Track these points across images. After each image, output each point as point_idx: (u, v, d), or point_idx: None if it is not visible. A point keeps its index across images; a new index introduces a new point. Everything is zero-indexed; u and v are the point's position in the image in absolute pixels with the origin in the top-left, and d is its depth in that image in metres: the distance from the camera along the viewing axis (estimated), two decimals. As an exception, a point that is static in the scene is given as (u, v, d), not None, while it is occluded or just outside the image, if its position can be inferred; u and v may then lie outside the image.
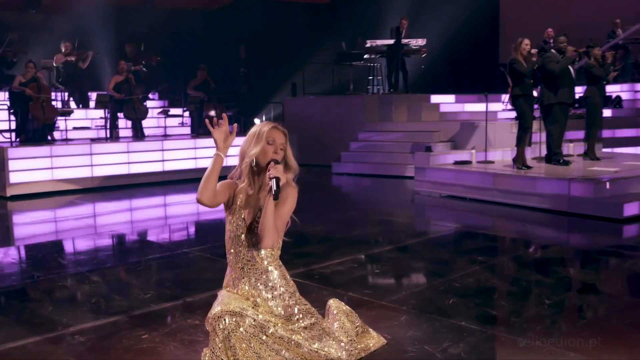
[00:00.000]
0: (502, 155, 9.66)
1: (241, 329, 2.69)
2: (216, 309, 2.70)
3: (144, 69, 12.88)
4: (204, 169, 2.82)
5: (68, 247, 6.27)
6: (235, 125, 2.90)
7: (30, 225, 7.73)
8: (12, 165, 8.92)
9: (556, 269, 4.99)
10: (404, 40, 12.85)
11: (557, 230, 6.69)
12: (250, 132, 2.95)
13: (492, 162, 9.14)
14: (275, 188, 2.70)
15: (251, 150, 2.89)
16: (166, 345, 3.34)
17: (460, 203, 8.15)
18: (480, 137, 10.04)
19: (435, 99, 13.02)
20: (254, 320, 2.74)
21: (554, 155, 8.59)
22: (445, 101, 13.02)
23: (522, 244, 6.09)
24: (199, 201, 2.76)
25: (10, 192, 8.90)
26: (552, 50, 8.52)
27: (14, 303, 4.26)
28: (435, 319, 3.70)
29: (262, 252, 2.87)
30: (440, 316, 3.74)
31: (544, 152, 9.03)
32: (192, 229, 7.56)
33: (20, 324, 3.75)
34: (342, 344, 3.00)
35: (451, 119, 12.27)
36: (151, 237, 6.87)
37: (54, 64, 11.71)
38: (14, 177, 8.95)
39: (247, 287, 2.87)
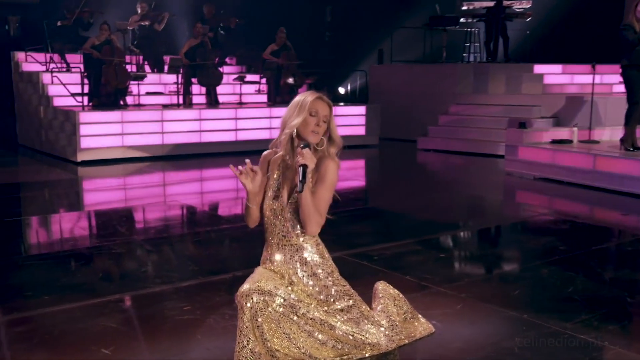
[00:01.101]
0: (610, 135, 9.24)
1: (269, 309, 2.80)
2: (245, 286, 2.82)
3: (221, 31, 13.25)
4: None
5: (130, 215, 6.68)
6: (256, 167, 2.96)
7: (98, 192, 8.29)
8: (83, 130, 9.54)
9: (650, 265, 4.80)
10: (506, 2, 12.46)
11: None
12: (293, 102, 3.03)
13: (597, 142, 8.78)
14: (300, 178, 2.77)
15: (292, 121, 2.97)
16: (206, 318, 3.55)
17: (555, 186, 7.91)
18: (587, 113, 9.64)
19: (539, 69, 12.57)
20: (284, 299, 2.85)
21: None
22: (550, 72, 12.55)
23: (615, 235, 5.87)
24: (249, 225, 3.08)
25: (80, 157, 9.53)
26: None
27: (67, 267, 4.64)
28: (495, 310, 3.69)
29: (298, 228, 2.97)
30: (500, 307, 3.73)
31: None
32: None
33: (70, 288, 4.09)
34: (382, 329, 3.07)
35: (556, 92, 11.83)
36: (215, 209, 7.19)
37: (129, 27, 12.29)
38: (84, 142, 9.57)
39: (282, 265, 2.99)
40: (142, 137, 10.07)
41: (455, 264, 4.80)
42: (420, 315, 3.42)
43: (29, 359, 3.10)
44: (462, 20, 13.39)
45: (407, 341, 3.21)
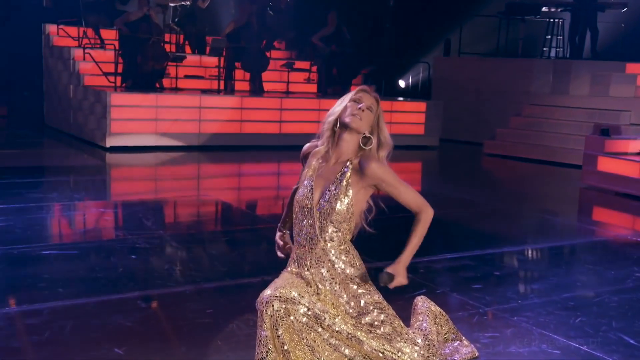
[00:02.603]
0: None
1: (291, 318, 2.88)
2: (267, 292, 2.89)
3: (270, 12, 13.45)
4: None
5: (159, 208, 6.90)
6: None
7: (126, 181, 8.56)
8: (114, 113, 9.86)
9: None
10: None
11: None
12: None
13: (693, 156, 8.59)
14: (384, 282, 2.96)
15: (335, 108, 3.08)
16: (228, 324, 3.67)
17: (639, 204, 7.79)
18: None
19: (632, 68, 12.33)
20: (308, 309, 2.92)
21: None
22: (646, 73, 12.30)
23: None
24: None
25: (110, 142, 9.86)
26: None
27: (88, 260, 4.85)
28: (550, 338, 3.70)
29: (328, 231, 3.04)
30: (557, 335, 3.74)
31: None
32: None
33: (87, 282, 4.29)
34: (417, 348, 3.12)
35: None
36: (250, 207, 7.35)
37: (170, 3, 12.60)
38: (115, 127, 9.89)
39: (307, 270, 3.07)
40: (177, 124, 10.32)
41: (511, 284, 4.80)
42: (464, 337, 3.46)
43: (37, 353, 3.28)
44: (544, 9, 13.23)
45: (445, 362, 3.26)
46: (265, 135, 10.98)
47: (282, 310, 2.86)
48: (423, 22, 15.54)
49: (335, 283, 3.06)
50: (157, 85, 11.03)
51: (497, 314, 4.02)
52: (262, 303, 2.89)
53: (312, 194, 3.05)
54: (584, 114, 11.28)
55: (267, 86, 12.01)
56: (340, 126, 3.06)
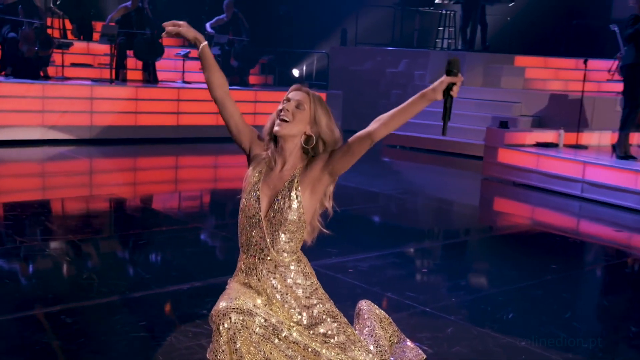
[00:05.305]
0: (599, 139, 9.59)
1: (249, 330, 2.83)
2: (221, 304, 2.82)
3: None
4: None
5: (57, 208, 6.56)
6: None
7: (10, 178, 8.08)
8: (-4, 104, 9.29)
9: (649, 289, 5.03)
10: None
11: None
12: None
13: (585, 147, 9.10)
14: (447, 117, 2.76)
15: (274, 113, 3.02)
16: (165, 337, 3.54)
17: (539, 195, 8.17)
18: (574, 114, 9.97)
19: (520, 61, 12.91)
20: (265, 320, 2.86)
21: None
22: (533, 65, 12.90)
23: (611, 253, 6.12)
24: (213, 97, 3.02)
25: (-9, 136, 9.29)
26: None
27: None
28: (489, 335, 3.81)
29: (280, 242, 2.98)
30: (495, 332, 3.86)
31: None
32: (206, 200, 7.80)
33: None
34: (370, 355, 3.13)
35: (539, 88, 12.18)
36: (157, 205, 7.13)
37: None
38: (-3, 119, 9.32)
39: (257, 281, 3.00)
40: (66, 117, 9.86)
41: (441, 281, 4.92)
42: (408, 340, 3.50)
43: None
44: (437, 1, 13.62)
45: (396, 368, 3.29)
46: (162, 128, 10.68)
47: (239, 323, 2.80)
48: (318, 10, 15.59)
49: (287, 294, 3.02)
50: (42, 74, 10.47)
51: (434, 313, 4.10)
52: (219, 316, 2.80)
53: (258, 204, 2.97)
54: (478, 105, 11.66)
55: (161, 75, 11.67)
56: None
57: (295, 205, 2.96)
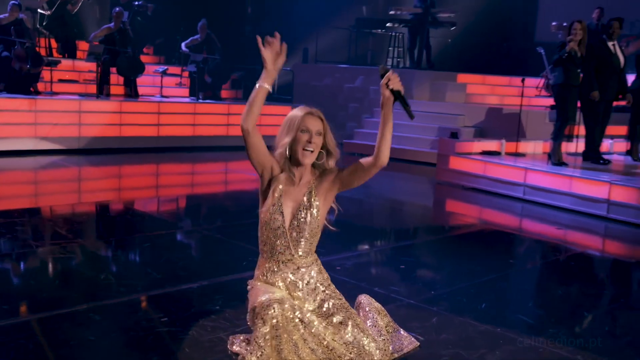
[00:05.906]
0: (534, 148, 9.89)
1: (288, 319, 2.92)
2: (263, 297, 2.94)
3: (138, 18, 12.95)
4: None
5: (39, 215, 6.46)
6: (285, 45, 2.99)
7: (8, 185, 7.91)
8: (-8, 117, 9.07)
9: (594, 279, 5.24)
10: (433, 10, 12.97)
11: (593, 236, 6.94)
12: (285, 118, 3.16)
13: (524, 155, 9.37)
14: (404, 105, 2.96)
15: (283, 139, 3.09)
16: (187, 331, 3.56)
17: (486, 197, 8.39)
18: (510, 125, 10.25)
19: (462, 78, 13.19)
20: (300, 312, 2.98)
21: (591, 153, 8.82)
22: (473, 81, 13.20)
23: (557, 248, 6.34)
24: (242, 129, 2.99)
25: (-13, 147, 9.06)
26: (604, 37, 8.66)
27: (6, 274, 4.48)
28: (469, 323, 3.94)
29: (301, 248, 3.10)
30: (473, 320, 3.99)
31: (581, 148, 9.24)
32: (190, 203, 7.77)
33: (26, 297, 3.97)
34: (375, 344, 3.23)
35: (478, 102, 12.46)
36: (153, 210, 7.09)
37: (40, 10, 11.73)
38: (-7, 131, 9.10)
39: (281, 283, 3.11)
40: (57, 128, 9.69)
41: (419, 277, 5.03)
42: (402, 329, 3.61)
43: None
44: (388, 24, 13.81)
45: (397, 355, 3.39)
46: (143, 138, 10.57)
47: (281, 312, 2.89)
48: (283, 31, 15.61)
49: (309, 290, 3.15)
50: (32, 89, 10.26)
51: (419, 305, 4.21)
52: (263, 307, 2.91)
53: (282, 216, 3.09)
54: (426, 117, 11.84)
55: (141, 90, 11.55)
56: (292, 156, 3.10)
57: (315, 212, 3.11)
